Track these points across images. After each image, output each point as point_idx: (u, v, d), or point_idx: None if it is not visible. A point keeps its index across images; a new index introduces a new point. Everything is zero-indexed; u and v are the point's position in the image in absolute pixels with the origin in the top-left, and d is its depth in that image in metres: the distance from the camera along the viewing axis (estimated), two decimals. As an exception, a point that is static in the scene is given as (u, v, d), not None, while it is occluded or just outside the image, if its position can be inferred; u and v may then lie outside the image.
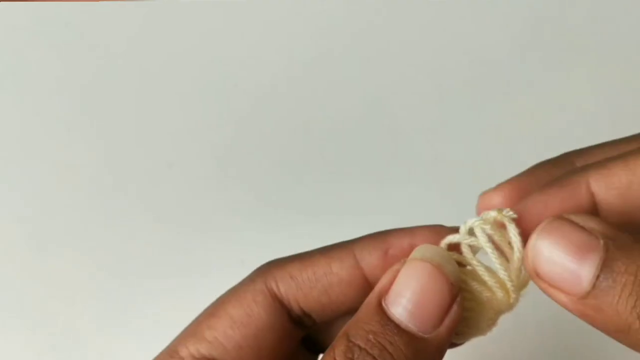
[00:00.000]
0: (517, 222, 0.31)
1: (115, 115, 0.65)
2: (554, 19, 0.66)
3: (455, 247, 0.32)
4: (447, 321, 0.29)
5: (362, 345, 0.29)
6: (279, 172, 0.63)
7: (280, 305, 0.33)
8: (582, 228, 0.28)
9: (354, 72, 0.65)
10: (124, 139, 0.64)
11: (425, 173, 0.63)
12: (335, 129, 0.64)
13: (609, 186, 0.31)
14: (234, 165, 0.64)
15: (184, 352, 0.33)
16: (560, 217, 0.29)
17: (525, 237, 0.30)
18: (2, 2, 0.67)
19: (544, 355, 0.58)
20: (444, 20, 0.66)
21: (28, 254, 0.61)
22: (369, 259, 0.33)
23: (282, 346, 0.34)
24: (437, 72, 0.65)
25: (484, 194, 0.33)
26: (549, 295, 0.29)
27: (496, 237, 0.31)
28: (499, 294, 0.31)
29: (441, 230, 0.32)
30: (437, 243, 0.32)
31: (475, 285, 0.31)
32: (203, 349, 0.32)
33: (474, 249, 0.31)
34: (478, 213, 0.32)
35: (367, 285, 0.33)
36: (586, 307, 0.28)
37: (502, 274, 0.31)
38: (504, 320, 0.33)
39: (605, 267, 0.27)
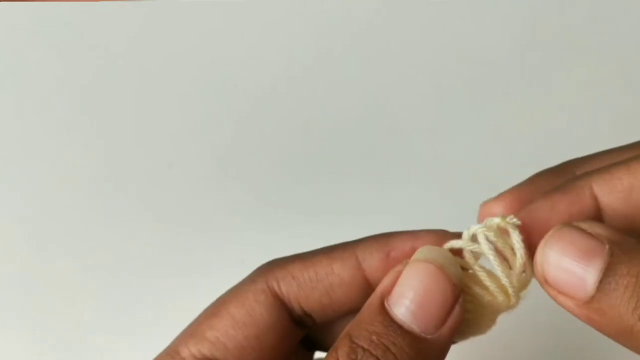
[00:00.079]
0: (522, 228, 0.31)
1: (115, 115, 0.65)
2: (554, 19, 0.66)
3: (457, 252, 0.32)
4: (450, 322, 0.29)
5: (366, 346, 0.29)
6: (279, 172, 0.63)
7: (281, 305, 0.33)
8: (589, 234, 0.28)
9: (354, 72, 0.65)
10: (124, 139, 0.64)
11: (425, 173, 0.63)
12: (335, 129, 0.64)
13: (612, 190, 0.31)
14: (234, 165, 0.64)
15: (185, 352, 0.33)
16: (567, 224, 0.29)
17: (529, 243, 0.30)
18: (2, 2, 0.67)
19: (543, 355, 0.59)
20: (444, 20, 0.66)
21: (28, 254, 0.61)
22: (371, 261, 0.33)
23: (282, 346, 0.34)
24: (437, 72, 0.65)
25: (485, 203, 0.34)
26: (558, 302, 0.29)
27: (499, 244, 0.31)
28: (500, 297, 0.31)
29: (444, 235, 0.32)
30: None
31: (476, 289, 0.31)
32: (204, 349, 0.32)
33: (477, 255, 0.31)
34: (479, 222, 0.32)
35: (369, 287, 0.33)
36: (591, 311, 0.28)
37: (504, 280, 0.31)
38: (504, 321, 0.33)
39: (609, 270, 0.27)
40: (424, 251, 0.31)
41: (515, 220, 0.31)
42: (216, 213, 0.62)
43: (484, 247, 0.31)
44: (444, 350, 0.30)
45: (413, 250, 0.31)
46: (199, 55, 0.66)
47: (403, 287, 0.30)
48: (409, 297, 0.29)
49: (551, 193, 0.31)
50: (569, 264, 0.28)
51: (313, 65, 0.66)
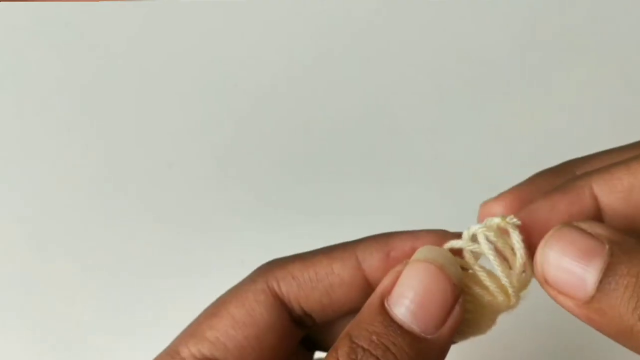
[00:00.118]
0: (523, 228, 0.31)
1: (115, 115, 0.65)
2: (554, 19, 0.66)
3: (457, 252, 0.32)
4: (450, 322, 0.29)
5: (366, 346, 0.29)
6: (279, 172, 0.63)
7: (281, 305, 0.33)
8: (589, 234, 0.28)
9: (354, 72, 0.65)
10: (124, 139, 0.64)
11: (425, 173, 0.63)
12: (335, 129, 0.64)
13: (612, 190, 0.31)
14: (234, 165, 0.64)
15: (185, 352, 0.33)
16: (567, 225, 0.29)
17: (529, 243, 0.30)
18: (2, 2, 0.67)
19: (543, 355, 0.59)
20: (444, 20, 0.66)
21: (28, 254, 0.61)
22: (371, 261, 0.33)
23: (282, 346, 0.34)
24: (437, 72, 0.65)
25: (485, 203, 0.34)
26: (558, 302, 0.29)
27: (499, 244, 0.31)
28: (500, 298, 0.31)
29: (444, 235, 0.32)
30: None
31: (476, 289, 0.31)
32: (205, 349, 0.32)
33: (477, 255, 0.31)
34: (479, 222, 0.32)
35: (368, 287, 0.33)
36: (591, 311, 0.28)
37: (504, 280, 0.31)
38: (504, 321, 0.33)
39: (609, 270, 0.27)
40: (424, 251, 0.31)
41: (515, 220, 0.31)
42: (216, 213, 0.62)
43: (484, 247, 0.31)
44: (444, 350, 0.30)
45: (413, 251, 0.31)
46: (199, 55, 0.66)
47: (403, 287, 0.30)
48: (409, 297, 0.29)
49: (551, 193, 0.31)
50: (569, 264, 0.28)
51: (313, 65, 0.66)
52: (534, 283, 0.31)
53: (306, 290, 0.33)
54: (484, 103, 0.64)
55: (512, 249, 0.31)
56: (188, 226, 0.62)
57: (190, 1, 0.67)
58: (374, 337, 0.29)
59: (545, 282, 0.29)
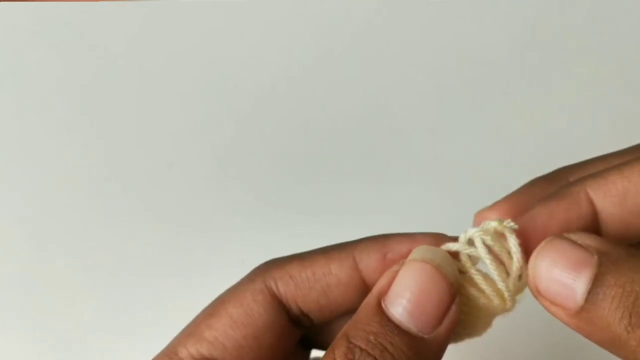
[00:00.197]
0: (522, 234, 0.31)
1: (115, 115, 0.65)
2: (554, 19, 0.66)
3: (454, 255, 0.32)
4: (446, 321, 0.30)
5: (363, 346, 0.29)
6: (279, 172, 0.63)
7: (279, 305, 0.33)
8: (579, 245, 0.29)
9: (354, 72, 0.65)
10: (124, 139, 0.64)
11: (425, 173, 0.63)
12: (335, 129, 0.64)
13: (607, 194, 0.31)
14: (234, 165, 0.64)
15: (183, 352, 0.33)
16: (559, 236, 0.29)
17: (527, 249, 0.31)
18: (2, 2, 0.67)
19: (543, 355, 0.58)
20: (444, 20, 0.66)
21: (28, 254, 0.61)
22: (368, 262, 0.33)
23: (280, 345, 0.34)
24: (437, 72, 0.65)
25: (480, 212, 0.34)
26: (550, 312, 0.29)
27: (496, 248, 0.31)
28: (496, 301, 0.31)
29: (441, 238, 0.33)
30: None
31: (472, 291, 0.31)
32: (203, 349, 0.32)
33: (473, 259, 0.31)
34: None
35: (366, 288, 0.33)
36: (581, 320, 0.28)
37: (500, 284, 0.31)
38: (499, 324, 0.33)
39: (597, 281, 0.28)
40: (421, 251, 0.31)
41: (512, 224, 0.31)
42: (216, 213, 0.62)
43: (481, 250, 0.31)
44: (441, 350, 0.30)
45: (410, 252, 0.31)
46: (199, 55, 0.66)
47: (400, 286, 0.30)
48: (406, 297, 0.29)
49: (547, 199, 0.32)
50: (560, 274, 0.28)
51: (313, 65, 0.66)
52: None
53: (304, 290, 0.33)
54: (484, 103, 0.64)
55: (509, 253, 0.31)
56: (188, 226, 0.62)
57: (190, 1, 0.67)
58: (371, 337, 0.29)
59: (537, 293, 0.29)
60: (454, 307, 0.30)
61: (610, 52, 0.65)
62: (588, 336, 0.29)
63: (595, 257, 0.28)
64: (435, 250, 0.31)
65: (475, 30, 0.66)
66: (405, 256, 0.32)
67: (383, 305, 0.30)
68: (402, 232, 0.33)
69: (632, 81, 0.64)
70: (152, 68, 0.66)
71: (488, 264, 0.31)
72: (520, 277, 0.31)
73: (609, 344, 0.28)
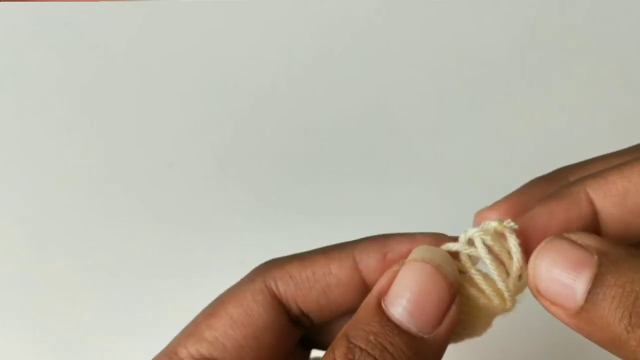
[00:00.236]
0: (522, 234, 0.31)
1: (115, 115, 0.65)
2: (554, 19, 0.66)
3: (454, 256, 0.32)
4: (446, 321, 0.30)
5: (363, 346, 0.29)
6: (279, 172, 0.63)
7: (279, 305, 0.33)
8: (579, 245, 0.29)
9: (354, 72, 0.65)
10: (124, 139, 0.64)
11: (425, 173, 0.63)
12: (335, 129, 0.64)
13: (607, 194, 0.31)
14: (234, 165, 0.64)
15: (183, 352, 0.33)
16: (559, 236, 0.29)
17: (528, 249, 0.31)
18: (2, 2, 0.67)
19: (543, 355, 0.58)
20: (444, 20, 0.66)
21: (28, 254, 0.61)
22: (368, 262, 0.33)
23: (280, 345, 0.34)
24: (437, 72, 0.65)
25: (479, 212, 0.34)
26: (551, 313, 0.30)
27: (496, 248, 0.31)
28: (496, 301, 0.31)
29: (441, 238, 0.32)
30: None
31: (472, 291, 0.31)
32: (203, 349, 0.32)
33: (473, 259, 0.31)
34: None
35: (365, 288, 0.33)
36: (581, 320, 0.28)
37: (500, 284, 0.31)
38: (500, 324, 0.33)
39: (597, 281, 0.28)
40: (421, 251, 0.31)
41: (512, 224, 0.31)
42: (216, 213, 0.62)
43: (480, 250, 0.31)
44: (441, 350, 0.30)
45: (410, 253, 0.31)
46: (199, 55, 0.66)
47: (399, 286, 0.30)
48: (406, 297, 0.29)
49: (547, 200, 0.32)
50: (560, 275, 0.29)
51: (313, 65, 0.66)
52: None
53: (303, 290, 0.33)
54: (484, 103, 0.64)
55: (509, 253, 0.31)
56: (188, 226, 0.62)
57: (190, 1, 0.67)
58: (371, 337, 0.29)
59: (537, 293, 0.29)
60: (454, 307, 0.30)
61: (610, 52, 0.65)
62: (588, 336, 0.29)
63: (595, 257, 0.28)
64: (435, 250, 0.31)
65: (475, 30, 0.66)
66: (405, 256, 0.31)
67: (383, 305, 0.30)
68: (402, 232, 0.33)
69: (632, 81, 0.64)
70: (152, 68, 0.66)
71: (488, 264, 0.31)
72: (520, 277, 0.31)
73: (609, 344, 0.28)
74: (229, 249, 0.61)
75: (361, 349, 0.29)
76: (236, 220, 0.62)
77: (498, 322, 0.32)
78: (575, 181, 0.32)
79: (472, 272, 0.31)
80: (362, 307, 0.30)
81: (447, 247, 0.32)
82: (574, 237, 0.29)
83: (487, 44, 0.66)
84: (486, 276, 0.31)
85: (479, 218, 0.33)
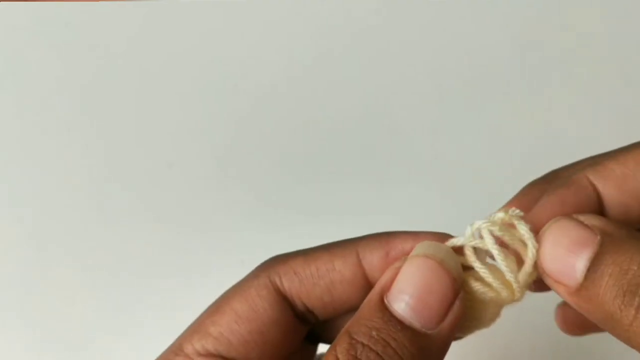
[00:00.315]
0: (535, 223, 0.31)
1: (115, 115, 0.65)
2: (554, 19, 0.66)
3: (459, 251, 0.32)
4: (450, 317, 0.29)
5: (365, 342, 0.29)
6: (279, 172, 0.63)
7: (284, 301, 0.33)
8: (584, 225, 0.29)
9: (354, 72, 0.65)
10: (124, 139, 0.64)
11: (425, 173, 0.63)
12: (335, 129, 0.64)
13: (606, 179, 0.32)
14: (234, 165, 0.64)
15: (189, 348, 0.33)
16: (565, 216, 0.30)
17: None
18: (2, 2, 0.67)
19: (544, 355, 0.58)
20: (444, 20, 0.66)
21: (28, 254, 0.61)
22: (371, 259, 0.33)
23: (286, 341, 0.33)
24: (437, 72, 0.65)
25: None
26: (555, 291, 0.30)
27: (506, 238, 0.31)
28: (504, 293, 0.31)
29: (445, 238, 0.32)
30: None
31: (478, 286, 0.31)
32: (208, 345, 0.32)
33: (479, 253, 0.31)
34: None
35: (369, 285, 0.33)
36: (580, 298, 0.29)
37: (508, 275, 0.31)
38: (505, 321, 0.33)
39: (596, 259, 0.28)
40: (423, 246, 0.31)
41: (518, 211, 0.31)
42: (216, 213, 0.62)
43: (488, 241, 0.31)
44: (445, 345, 0.30)
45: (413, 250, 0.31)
46: (199, 55, 0.66)
47: (402, 282, 0.30)
48: (409, 293, 0.29)
49: (555, 188, 0.32)
50: (563, 253, 0.29)
51: (313, 65, 0.66)
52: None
53: (307, 286, 0.33)
54: (484, 103, 0.64)
55: (521, 241, 0.31)
56: (188, 226, 0.62)
57: (190, 1, 0.67)
58: (374, 333, 0.29)
59: (542, 271, 0.30)
60: (457, 303, 0.30)
61: (610, 52, 0.65)
62: (586, 314, 0.29)
63: (599, 236, 0.29)
64: (438, 246, 0.31)
65: (475, 30, 0.66)
66: (408, 253, 0.31)
67: (386, 301, 0.30)
68: (406, 230, 0.33)
69: (632, 81, 0.64)
70: (152, 68, 0.66)
71: (496, 255, 0.31)
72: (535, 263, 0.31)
73: (604, 322, 0.28)
74: (229, 249, 0.61)
75: (363, 345, 0.28)
76: (236, 220, 0.62)
77: (503, 319, 0.32)
78: (575, 170, 0.33)
79: (478, 265, 0.31)
80: (364, 304, 0.30)
81: (451, 242, 0.32)
82: (581, 217, 0.30)
83: (487, 44, 0.66)
84: (493, 268, 0.31)
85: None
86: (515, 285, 0.31)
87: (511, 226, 0.31)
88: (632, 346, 0.28)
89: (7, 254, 0.61)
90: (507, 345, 0.57)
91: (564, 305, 0.41)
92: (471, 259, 0.31)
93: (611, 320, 0.28)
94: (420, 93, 0.65)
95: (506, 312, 0.32)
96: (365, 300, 0.30)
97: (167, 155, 0.64)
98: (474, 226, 0.31)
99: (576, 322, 0.41)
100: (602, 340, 0.34)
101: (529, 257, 0.30)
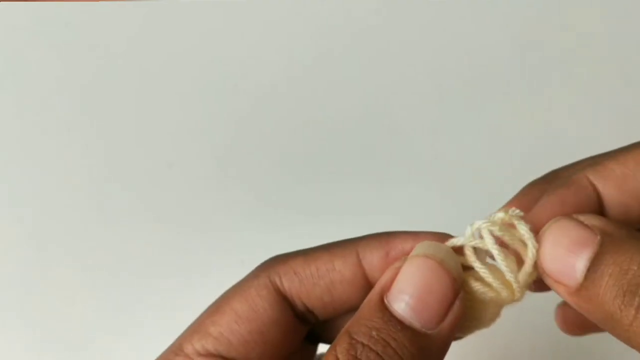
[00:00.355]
0: (536, 222, 0.31)
1: (115, 115, 0.65)
2: (554, 19, 0.66)
3: (459, 251, 0.32)
4: (450, 317, 0.29)
5: (365, 341, 0.29)
6: (279, 172, 0.63)
7: (284, 301, 0.33)
8: (584, 225, 0.29)
9: (354, 72, 0.65)
10: (124, 139, 0.64)
11: (425, 173, 0.63)
12: (335, 129, 0.64)
13: (606, 179, 0.32)
14: (234, 165, 0.64)
15: (189, 348, 0.33)
16: (565, 216, 0.30)
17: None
18: (2, 2, 0.67)
19: (544, 355, 0.58)
20: (444, 20, 0.66)
21: (28, 254, 0.61)
22: (371, 259, 0.33)
23: (287, 341, 0.33)
24: (437, 72, 0.65)
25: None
26: (555, 291, 0.30)
27: (506, 237, 0.31)
28: (504, 293, 0.31)
29: (445, 238, 0.32)
30: None
31: (478, 286, 0.31)
32: (208, 345, 0.32)
33: (479, 253, 0.31)
34: None
35: (369, 285, 0.33)
36: (580, 298, 0.29)
37: (508, 275, 0.31)
38: (505, 321, 0.33)
39: (596, 259, 0.28)
40: (423, 246, 0.31)
41: (518, 211, 0.31)
42: (216, 213, 0.62)
43: (488, 241, 0.31)
44: (445, 345, 0.30)
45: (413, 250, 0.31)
46: (199, 55, 0.66)
47: (402, 282, 0.30)
48: (409, 293, 0.29)
49: (555, 188, 0.32)
50: (563, 253, 0.29)
51: (313, 65, 0.66)
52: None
53: (307, 286, 0.33)
54: (484, 103, 0.64)
55: (521, 241, 0.31)
56: (188, 226, 0.62)
57: (190, 1, 0.67)
58: (374, 333, 0.29)
59: (542, 271, 0.30)
60: (457, 303, 0.30)
61: (610, 52, 0.65)
62: (586, 314, 0.29)
63: (599, 236, 0.29)
64: (438, 246, 0.31)
65: (475, 30, 0.66)
66: (408, 253, 0.31)
67: (386, 301, 0.29)
68: (406, 230, 0.33)
69: (632, 81, 0.64)
70: (152, 68, 0.66)
71: (495, 255, 0.31)
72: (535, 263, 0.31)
73: (604, 322, 0.28)
74: (229, 249, 0.61)
75: (363, 345, 0.28)
76: (236, 220, 0.62)
77: (503, 319, 0.32)
78: (575, 170, 0.33)
79: (477, 265, 0.31)
80: (364, 304, 0.30)
81: (451, 243, 0.32)
82: (581, 217, 0.30)
83: (487, 44, 0.66)
84: (493, 268, 0.31)
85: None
86: (515, 285, 0.31)
87: (511, 226, 0.31)
88: (632, 346, 0.28)
89: (7, 254, 0.61)
90: (507, 345, 0.57)
91: (563, 305, 0.41)
92: (471, 259, 0.31)
93: (611, 320, 0.28)
94: (420, 93, 0.65)
95: (506, 312, 0.32)
96: (365, 300, 0.30)
97: (167, 155, 0.64)
98: (474, 226, 0.31)
99: (576, 322, 0.41)
100: (602, 340, 0.34)
101: (529, 257, 0.30)
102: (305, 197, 0.62)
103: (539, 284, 0.31)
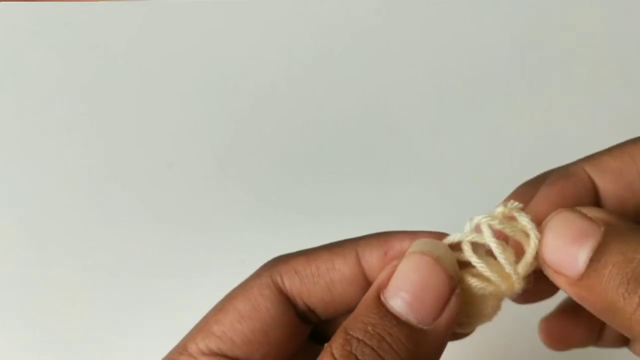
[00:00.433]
0: (536, 214, 0.31)
1: (115, 115, 0.65)
2: (554, 19, 0.66)
3: (456, 248, 0.32)
4: (446, 313, 0.30)
5: (360, 337, 0.29)
6: (279, 172, 0.63)
7: (286, 300, 0.33)
8: (587, 217, 0.29)
9: (354, 72, 0.65)
10: (124, 139, 0.64)
11: (425, 173, 0.63)
12: (335, 129, 0.64)
13: (603, 171, 0.32)
14: (234, 165, 0.64)
15: (193, 348, 0.33)
16: (568, 208, 0.30)
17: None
18: (2, 2, 0.67)
19: (544, 354, 0.58)
20: (444, 20, 0.66)
21: (28, 254, 0.61)
22: (369, 258, 0.33)
23: (290, 340, 0.34)
24: (437, 72, 0.65)
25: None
26: (554, 282, 0.30)
27: (507, 230, 0.31)
28: (504, 286, 0.31)
29: (443, 237, 0.32)
30: None
31: (477, 281, 0.31)
32: (212, 344, 0.32)
33: (477, 246, 0.31)
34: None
35: (368, 284, 0.33)
36: (581, 288, 0.29)
37: (508, 268, 0.31)
38: (505, 320, 0.33)
39: (599, 249, 0.28)
40: (420, 244, 0.31)
41: (517, 204, 0.31)
42: (216, 213, 0.62)
43: (486, 234, 0.31)
44: (442, 342, 0.30)
45: None
46: (199, 55, 0.66)
47: (399, 279, 0.30)
48: (405, 289, 0.29)
49: (555, 180, 0.32)
50: (565, 244, 0.29)
51: (313, 65, 0.66)
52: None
53: (308, 285, 0.33)
54: (484, 103, 0.64)
55: (523, 232, 0.31)
56: (188, 226, 0.62)
57: (190, 1, 0.67)
58: (369, 328, 0.29)
59: (543, 262, 0.30)
60: (453, 299, 0.30)
61: (610, 52, 0.65)
62: (586, 304, 0.29)
63: (602, 228, 0.29)
64: (435, 243, 0.31)
65: (475, 30, 0.66)
66: (405, 252, 0.32)
67: (382, 298, 0.30)
68: (404, 229, 0.33)
69: (632, 81, 0.64)
70: (152, 68, 0.66)
71: (494, 247, 0.31)
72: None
73: (605, 312, 0.29)
74: (229, 249, 0.61)
75: (358, 340, 0.29)
76: (236, 220, 0.62)
77: (503, 319, 0.32)
78: (573, 163, 0.33)
79: (475, 260, 0.31)
80: (362, 301, 0.30)
81: (449, 239, 0.32)
82: (584, 209, 0.30)
83: (487, 44, 0.66)
84: (490, 262, 0.31)
85: None
86: (514, 277, 0.31)
87: (511, 219, 0.31)
88: (634, 335, 0.28)
89: (7, 254, 0.61)
90: (507, 345, 0.57)
91: (547, 320, 0.41)
92: (468, 253, 0.31)
93: (613, 310, 0.28)
94: (420, 93, 0.65)
95: (506, 312, 0.32)
96: (363, 298, 0.30)
97: (167, 155, 0.64)
98: (474, 221, 0.31)
99: (560, 336, 0.41)
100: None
101: (531, 247, 0.31)
102: (305, 197, 0.62)
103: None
